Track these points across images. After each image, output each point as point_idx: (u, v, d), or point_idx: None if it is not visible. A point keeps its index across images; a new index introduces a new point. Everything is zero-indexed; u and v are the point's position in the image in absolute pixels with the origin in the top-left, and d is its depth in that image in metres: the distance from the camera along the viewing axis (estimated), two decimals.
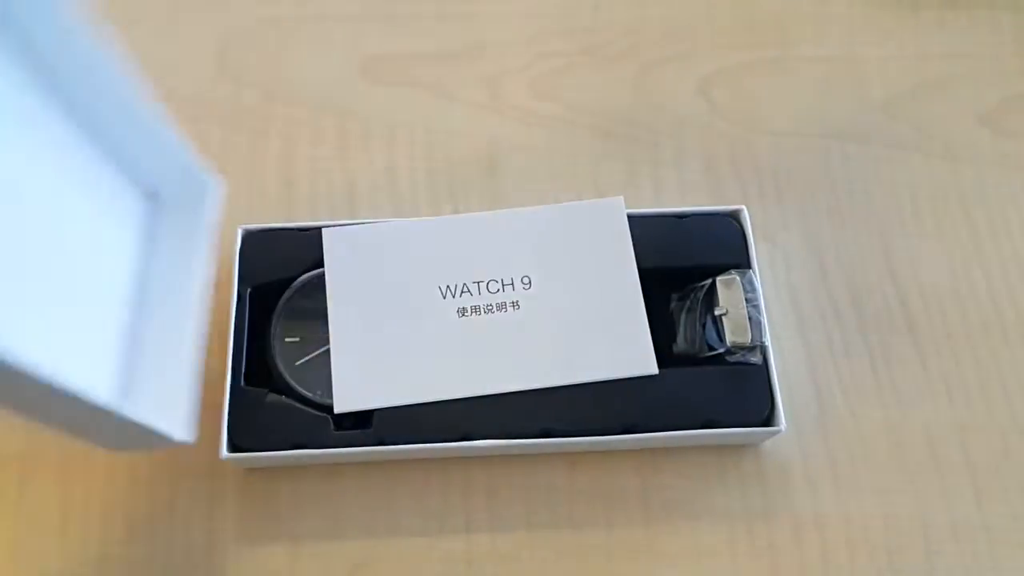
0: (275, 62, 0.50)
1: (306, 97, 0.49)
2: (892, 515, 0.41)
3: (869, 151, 0.49)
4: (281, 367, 0.40)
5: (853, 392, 0.44)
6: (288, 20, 0.51)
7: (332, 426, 0.39)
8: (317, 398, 0.39)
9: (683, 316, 0.42)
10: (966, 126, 0.50)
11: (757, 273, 0.42)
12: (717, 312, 0.41)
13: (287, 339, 0.40)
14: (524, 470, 0.42)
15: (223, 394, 0.39)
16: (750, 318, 0.40)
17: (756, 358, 0.40)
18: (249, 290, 0.41)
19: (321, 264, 0.41)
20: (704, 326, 0.41)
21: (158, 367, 0.36)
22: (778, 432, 0.40)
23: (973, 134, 0.50)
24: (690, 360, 0.42)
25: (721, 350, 0.41)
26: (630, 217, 0.42)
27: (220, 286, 0.43)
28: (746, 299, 0.41)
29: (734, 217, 0.43)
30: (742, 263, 0.42)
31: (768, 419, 0.40)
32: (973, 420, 0.43)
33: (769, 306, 0.44)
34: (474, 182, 0.47)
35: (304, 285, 0.41)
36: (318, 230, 0.42)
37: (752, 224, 0.43)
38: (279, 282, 0.41)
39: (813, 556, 0.41)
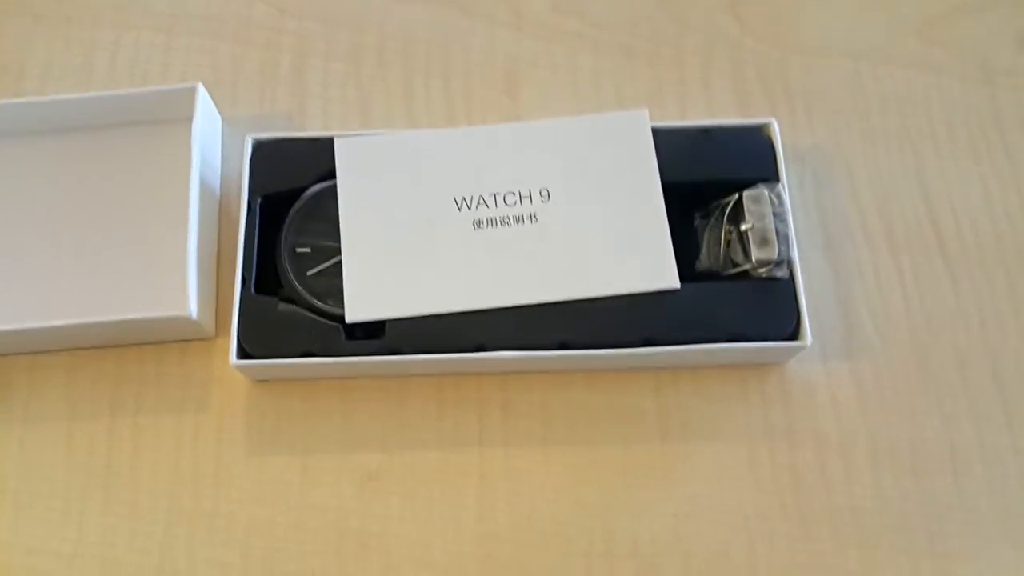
0: None
1: (320, 12, 0.48)
2: (919, 438, 0.40)
3: (903, 74, 0.47)
4: (292, 276, 0.39)
5: (881, 314, 0.42)
6: None
7: (343, 335, 0.38)
8: (329, 307, 0.39)
9: (707, 233, 0.41)
10: (1003, 49, 0.48)
11: (786, 187, 0.40)
12: (743, 227, 0.39)
13: (298, 249, 0.39)
14: (541, 386, 0.41)
15: (237, 304, 0.38)
16: (777, 232, 0.39)
17: (783, 273, 0.39)
18: (260, 200, 0.40)
19: (333, 175, 0.40)
20: (729, 242, 0.40)
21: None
22: (803, 348, 0.39)
23: (1010, 57, 0.48)
24: (714, 277, 0.40)
25: (746, 266, 0.39)
26: (654, 131, 0.41)
27: (231, 196, 0.42)
28: (774, 213, 0.39)
29: (762, 131, 0.42)
30: (770, 177, 0.41)
31: (794, 334, 0.39)
32: (1005, 344, 0.42)
33: (797, 226, 0.42)
34: (492, 100, 0.46)
35: (316, 195, 0.40)
36: (330, 140, 0.41)
37: (782, 143, 0.41)
38: (290, 192, 0.40)
39: (837, 477, 0.39)
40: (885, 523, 0.39)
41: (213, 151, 0.43)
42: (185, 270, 0.38)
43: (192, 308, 0.38)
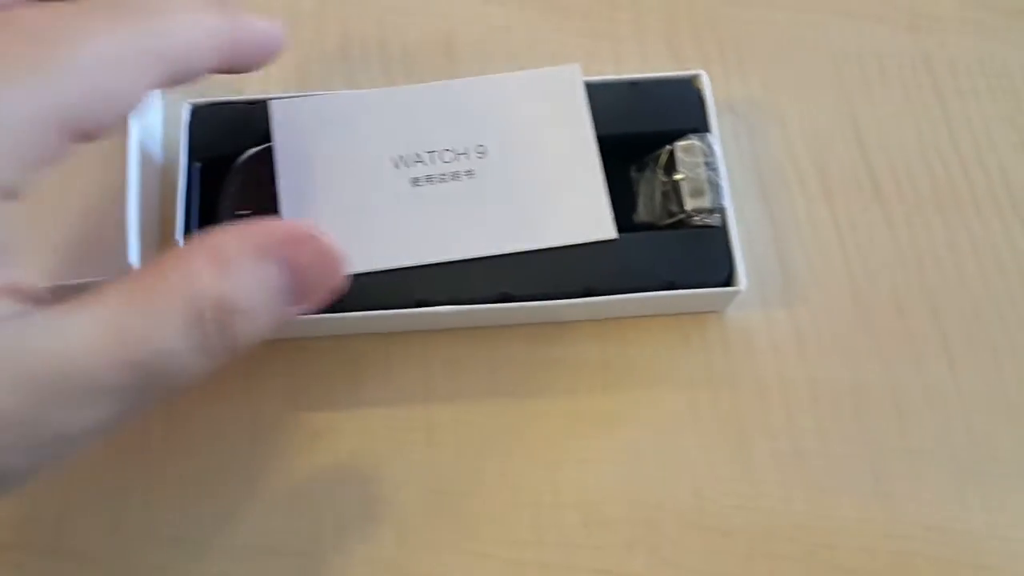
0: None
1: None
2: (861, 380, 0.41)
3: (833, 22, 0.48)
4: None
5: (819, 260, 0.43)
6: None
7: None
8: None
9: (642, 185, 0.42)
10: None
11: (717, 137, 0.40)
12: (676, 177, 0.40)
13: (237, 213, 0.39)
14: (485, 343, 0.41)
15: None
16: (709, 181, 0.39)
17: (716, 221, 0.40)
18: (199, 165, 0.40)
19: (271, 137, 0.40)
20: (664, 194, 0.40)
21: None
22: (738, 292, 0.39)
23: (938, 4, 0.48)
24: (651, 228, 0.41)
25: (681, 216, 0.40)
26: (586, 86, 0.41)
27: (174, 165, 0.42)
28: (705, 163, 0.40)
29: (693, 82, 0.42)
30: (701, 128, 0.41)
31: (728, 280, 0.39)
32: (944, 286, 0.43)
33: (732, 177, 0.43)
34: (429, 62, 0.46)
35: (254, 158, 0.40)
36: (267, 102, 0.40)
37: (715, 95, 0.42)
38: (230, 156, 0.40)
39: (779, 420, 0.40)
40: (829, 466, 0.39)
41: (155, 124, 0.43)
42: (125, 235, 0.38)
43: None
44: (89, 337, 0.24)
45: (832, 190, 0.44)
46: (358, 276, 0.37)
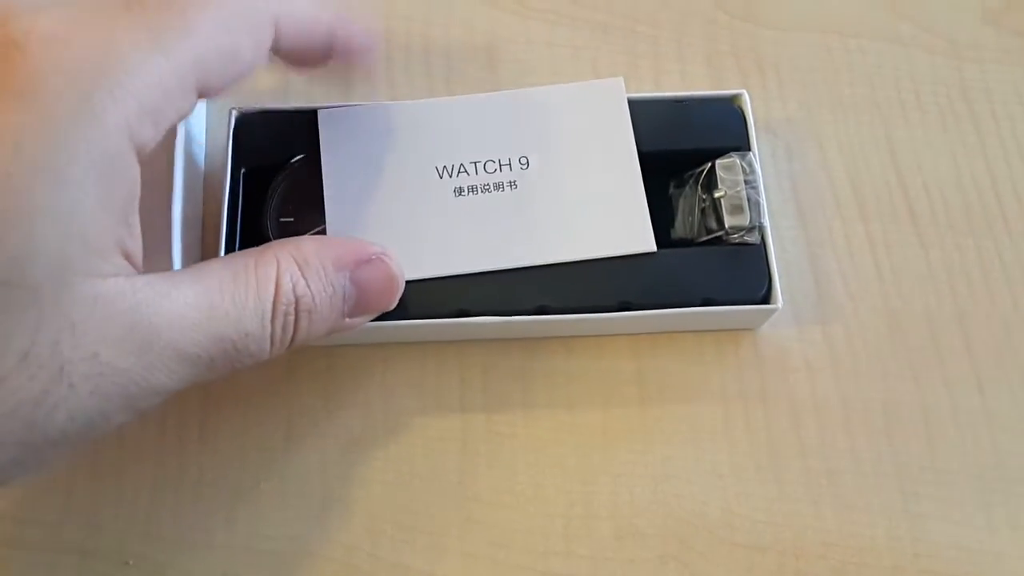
0: None
1: None
2: (892, 401, 0.41)
3: (872, 46, 0.48)
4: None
5: (853, 280, 0.43)
6: None
7: None
8: None
9: (681, 201, 0.42)
10: (968, 23, 0.49)
11: (757, 156, 0.41)
12: (716, 195, 0.40)
13: (282, 219, 0.40)
14: (520, 353, 0.41)
15: None
16: (748, 199, 0.40)
17: (754, 238, 0.40)
18: (243, 171, 0.41)
19: (317, 146, 0.40)
20: (703, 211, 0.41)
21: None
22: (775, 311, 0.39)
23: (975, 32, 0.49)
24: (688, 244, 0.41)
25: (719, 233, 0.40)
26: (628, 102, 0.42)
27: (216, 172, 0.42)
28: (745, 181, 0.40)
29: (734, 101, 0.43)
30: (742, 146, 0.42)
31: (765, 298, 0.40)
32: (975, 309, 0.43)
33: (770, 196, 0.43)
34: (472, 76, 0.47)
35: (299, 166, 0.41)
36: (313, 112, 0.41)
37: (754, 116, 0.42)
38: (274, 164, 0.41)
39: (811, 439, 0.40)
40: (859, 484, 0.40)
41: (198, 130, 0.43)
42: (170, 245, 0.38)
43: None
44: (192, 309, 0.27)
45: (868, 211, 0.44)
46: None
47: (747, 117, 0.42)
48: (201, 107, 0.44)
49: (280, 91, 0.45)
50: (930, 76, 0.47)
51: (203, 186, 0.44)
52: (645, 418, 0.40)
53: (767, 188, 0.43)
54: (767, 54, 0.48)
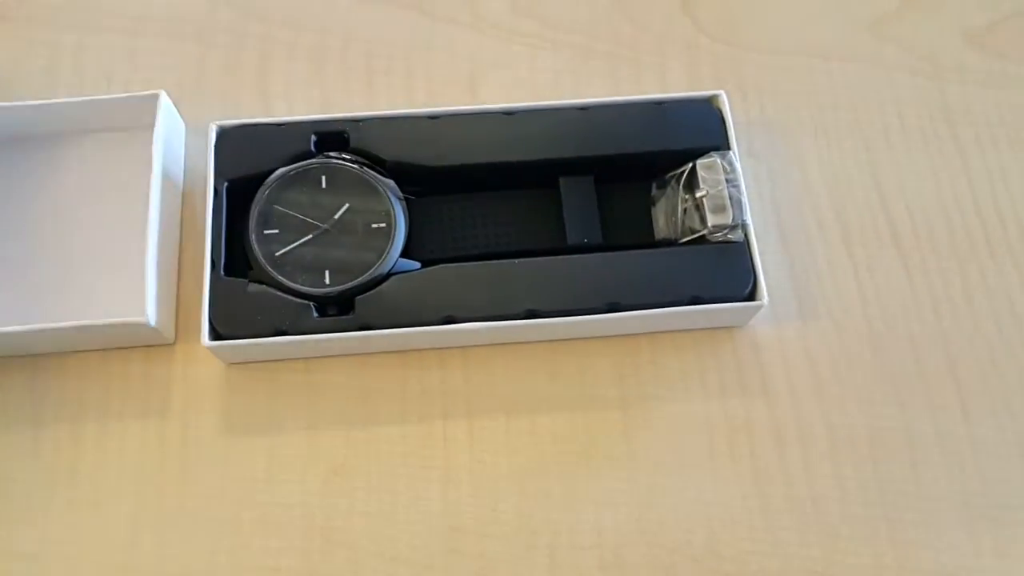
0: None
1: (283, 14, 0.48)
2: (877, 426, 0.41)
3: (855, 69, 0.48)
4: (261, 257, 0.39)
5: (837, 304, 0.43)
6: None
7: (314, 312, 0.39)
8: (299, 286, 0.39)
9: (663, 202, 0.42)
10: (951, 46, 0.49)
11: (737, 155, 0.41)
12: (698, 194, 0.40)
13: (266, 231, 0.40)
14: (505, 359, 0.41)
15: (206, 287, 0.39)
16: (730, 198, 0.40)
17: (737, 236, 0.40)
18: (225, 184, 0.41)
19: (298, 159, 0.41)
20: (686, 211, 0.41)
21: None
22: (760, 307, 0.39)
23: (958, 54, 0.49)
24: (672, 244, 0.41)
25: (702, 232, 0.40)
26: (609, 105, 0.42)
27: (196, 190, 0.43)
28: (726, 180, 0.40)
29: (712, 102, 0.43)
30: (721, 146, 0.42)
31: (751, 294, 0.40)
32: (959, 333, 0.43)
33: (754, 219, 0.43)
34: (454, 98, 0.46)
35: (281, 178, 0.40)
36: (294, 124, 0.41)
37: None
38: (256, 176, 0.41)
39: (796, 467, 0.40)
40: (845, 512, 0.39)
41: (175, 157, 0.43)
42: (144, 277, 0.38)
43: (151, 315, 0.38)
44: None
45: (851, 235, 0.44)
46: (386, 294, 0.38)
47: (725, 116, 0.42)
48: (179, 137, 0.44)
49: (262, 117, 0.45)
50: (913, 99, 0.47)
51: (180, 216, 0.44)
52: (629, 442, 0.40)
53: (750, 211, 0.42)
54: (749, 77, 0.47)
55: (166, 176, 0.41)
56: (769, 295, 0.41)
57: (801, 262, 0.44)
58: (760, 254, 0.41)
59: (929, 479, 0.40)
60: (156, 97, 0.42)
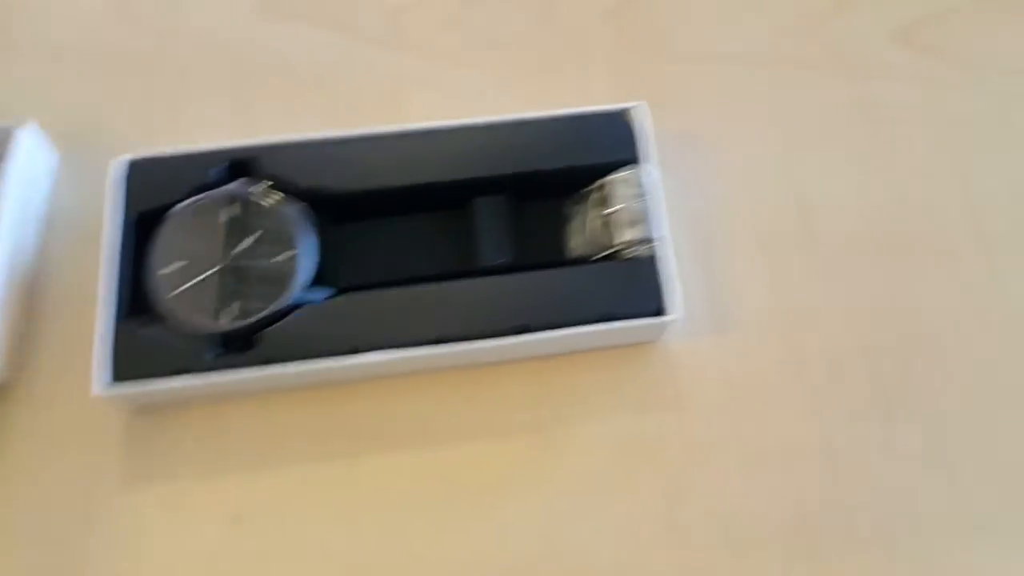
0: (166, 4, 0.49)
1: (200, 40, 0.48)
2: (792, 439, 0.40)
3: (777, 73, 0.48)
4: (160, 295, 0.39)
5: (753, 315, 0.43)
6: None
7: (214, 352, 0.38)
8: (199, 324, 0.39)
9: (577, 218, 0.42)
10: (876, 43, 0.49)
11: (652, 167, 0.41)
12: (610, 210, 0.40)
13: (167, 267, 0.39)
14: (416, 388, 0.41)
15: (104, 328, 0.38)
16: (643, 212, 0.40)
17: (649, 251, 0.40)
18: (131, 219, 0.40)
19: (207, 188, 0.40)
20: (599, 226, 0.41)
21: None
22: (673, 322, 0.39)
23: (883, 51, 0.48)
24: (586, 261, 0.41)
25: (616, 248, 0.40)
26: (522, 122, 0.42)
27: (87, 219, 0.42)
28: (639, 194, 0.40)
29: (625, 115, 0.43)
30: (635, 159, 0.42)
31: (662, 309, 0.40)
32: (880, 341, 0.42)
33: (671, 233, 0.43)
34: (375, 119, 0.46)
35: (185, 210, 0.40)
36: (202, 154, 0.41)
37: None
38: (162, 209, 0.40)
39: (710, 484, 0.40)
40: (760, 527, 0.39)
41: (38, 191, 0.43)
42: None
43: None
44: None
45: (770, 244, 0.44)
46: (288, 327, 0.38)
47: (639, 130, 0.42)
48: (50, 159, 0.44)
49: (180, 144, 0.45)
50: (836, 101, 0.47)
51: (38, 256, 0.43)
52: (541, 459, 0.40)
53: (668, 223, 0.42)
54: (670, 86, 0.47)
55: (21, 214, 0.41)
56: (684, 308, 0.41)
57: (718, 274, 0.43)
58: (675, 267, 0.41)
59: (846, 492, 0.40)
60: (8, 132, 0.41)
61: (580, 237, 0.42)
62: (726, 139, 0.46)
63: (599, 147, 0.42)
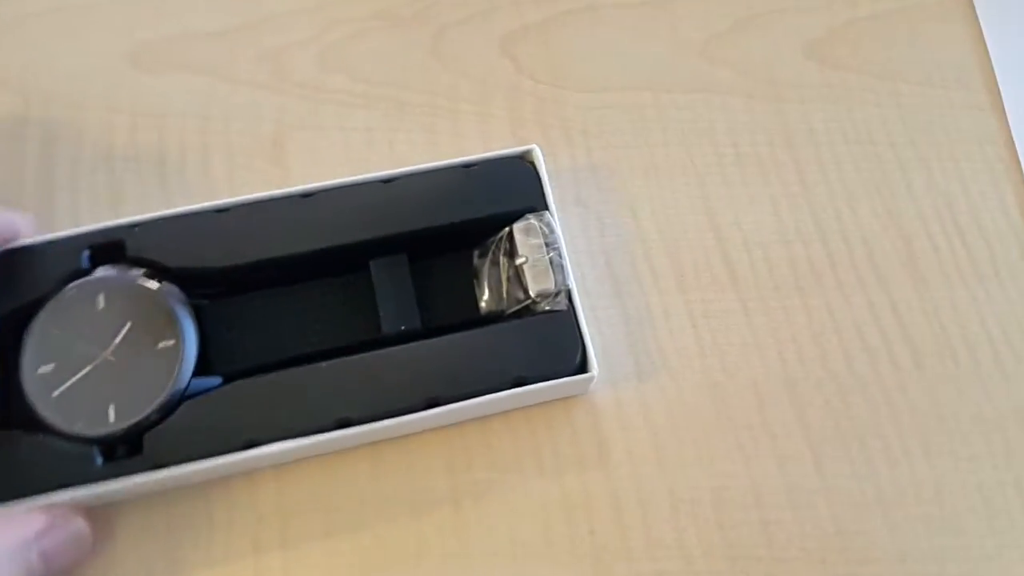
0: (31, 59, 0.45)
1: (67, 95, 0.45)
2: (722, 486, 0.39)
3: (686, 99, 0.46)
4: (36, 399, 0.36)
5: (674, 357, 0.41)
6: (45, 11, 0.46)
7: (100, 459, 0.35)
8: (80, 430, 0.35)
9: (486, 272, 0.40)
10: (790, 60, 0.47)
11: (555, 214, 0.39)
12: (517, 261, 0.38)
13: (41, 368, 0.36)
14: (321, 470, 0.39)
15: None
16: (551, 262, 0.38)
17: (562, 304, 0.38)
18: None
19: (74, 278, 0.37)
20: (510, 279, 0.39)
21: None
22: (591, 379, 0.37)
23: (798, 68, 0.47)
24: (499, 317, 0.39)
25: (527, 301, 0.38)
26: (415, 174, 0.40)
27: None
28: (545, 243, 0.38)
29: (525, 159, 0.41)
30: (538, 206, 0.39)
31: (581, 366, 0.38)
32: (806, 376, 0.41)
33: (584, 272, 0.41)
34: (258, 169, 0.43)
35: (52, 306, 0.37)
36: (64, 240, 0.38)
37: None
38: (27, 308, 0.37)
39: (637, 539, 0.38)
40: None
41: None
42: None
43: None
44: None
45: (686, 281, 0.42)
46: (175, 426, 0.35)
47: (541, 173, 0.40)
48: None
49: (45, 212, 0.41)
50: (749, 124, 0.45)
51: None
52: (464, 534, 0.38)
53: (579, 264, 0.41)
54: (575, 119, 0.45)
55: None
56: (604, 356, 0.39)
57: (636, 315, 0.42)
58: (592, 312, 0.39)
59: (780, 539, 0.38)
60: None
61: (491, 292, 0.39)
62: (634, 170, 0.44)
63: (500, 194, 0.40)
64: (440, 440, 0.39)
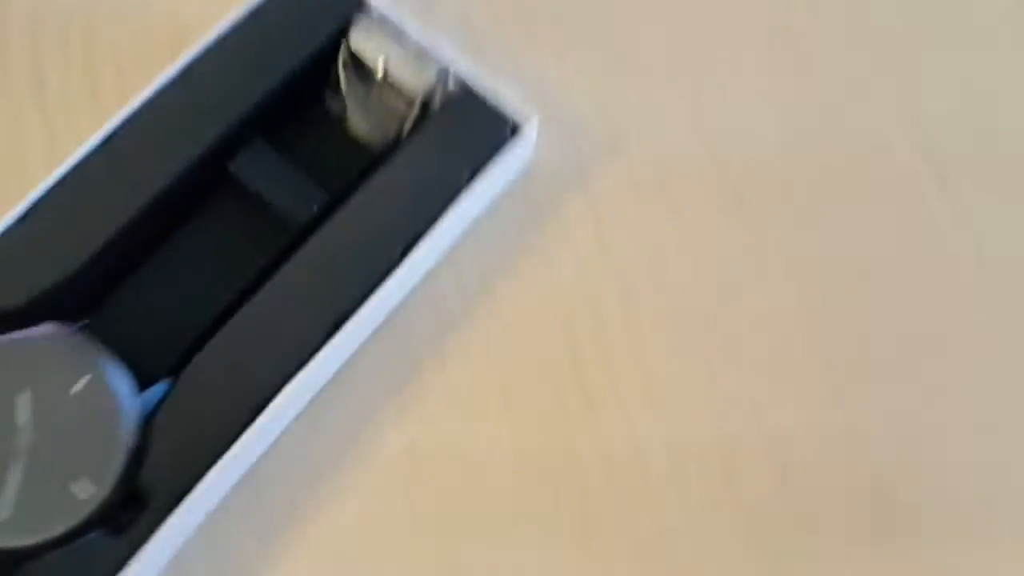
0: None
1: None
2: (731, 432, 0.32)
3: None
4: None
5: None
6: None
7: (109, 540, 0.27)
8: (60, 529, 0.27)
9: (353, 106, 0.34)
10: None
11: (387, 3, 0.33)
12: (378, 76, 0.32)
13: None
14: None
15: None
16: (414, 52, 0.32)
17: (455, 84, 0.33)
18: None
19: None
20: (381, 98, 0.33)
21: None
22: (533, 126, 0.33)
23: None
24: (396, 146, 0.33)
25: (416, 111, 0.33)
26: (209, 50, 0.33)
27: None
28: (391, 38, 0.33)
29: None
30: (356, 7, 0.34)
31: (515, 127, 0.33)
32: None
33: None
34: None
35: None
36: None
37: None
38: None
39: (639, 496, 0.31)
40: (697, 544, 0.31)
41: None
42: None
43: None
44: None
45: (680, 199, 0.36)
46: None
47: None
48: None
49: None
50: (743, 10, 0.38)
51: None
52: None
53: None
54: None
55: None
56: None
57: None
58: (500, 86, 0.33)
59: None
60: None
61: (371, 124, 0.33)
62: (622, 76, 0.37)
63: (312, 19, 0.33)
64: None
